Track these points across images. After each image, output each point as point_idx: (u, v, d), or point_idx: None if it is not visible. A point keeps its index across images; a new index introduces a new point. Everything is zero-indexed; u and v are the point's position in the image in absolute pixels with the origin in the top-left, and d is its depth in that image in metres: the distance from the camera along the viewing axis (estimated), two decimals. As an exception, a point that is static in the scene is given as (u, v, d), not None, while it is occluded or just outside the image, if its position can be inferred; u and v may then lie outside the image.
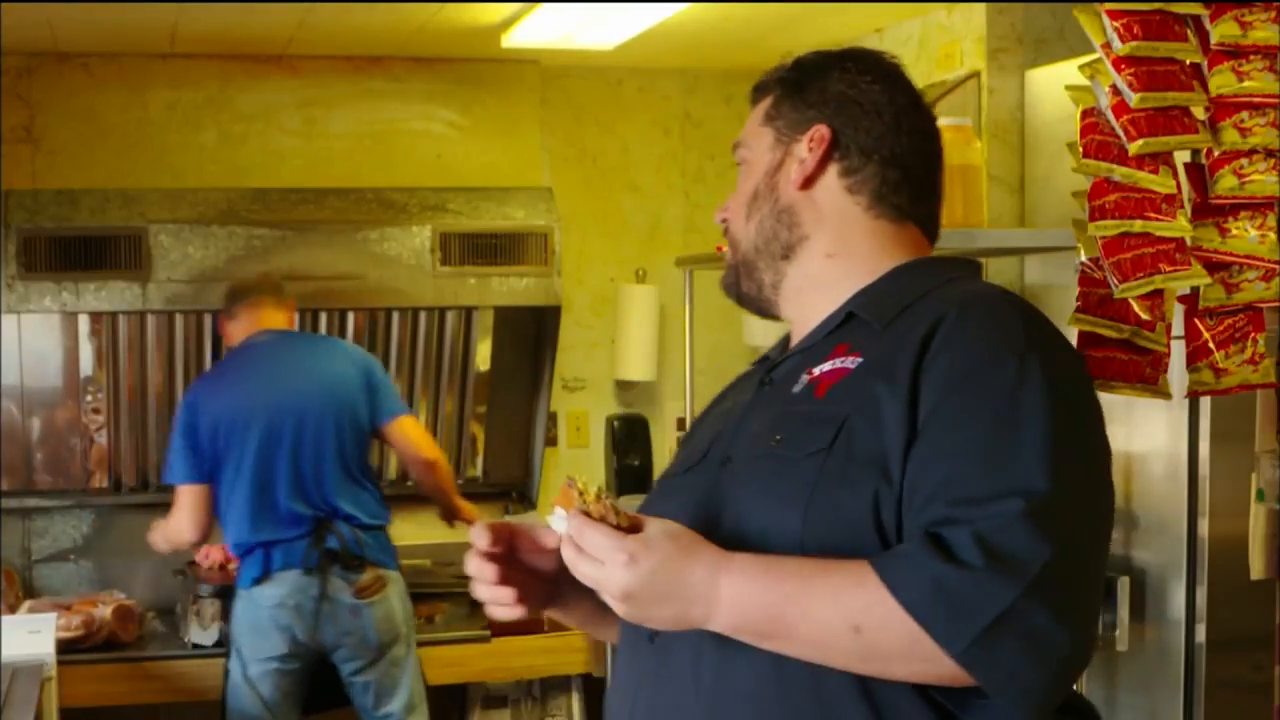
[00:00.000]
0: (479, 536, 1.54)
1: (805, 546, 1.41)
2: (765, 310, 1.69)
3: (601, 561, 1.40)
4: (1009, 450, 1.36)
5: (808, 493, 1.43)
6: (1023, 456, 1.36)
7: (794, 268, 1.63)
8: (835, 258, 1.61)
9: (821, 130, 1.62)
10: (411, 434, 4.07)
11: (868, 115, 1.62)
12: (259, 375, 3.93)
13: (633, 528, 1.41)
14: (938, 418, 1.40)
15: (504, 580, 1.54)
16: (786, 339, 1.68)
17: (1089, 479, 1.42)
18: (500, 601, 1.54)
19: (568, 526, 1.42)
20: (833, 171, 1.62)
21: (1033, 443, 1.36)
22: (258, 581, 3.81)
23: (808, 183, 1.62)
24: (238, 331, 4.02)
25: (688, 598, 1.39)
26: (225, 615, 4.26)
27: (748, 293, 1.67)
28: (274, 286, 4.09)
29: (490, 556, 1.54)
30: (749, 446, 1.53)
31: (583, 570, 1.42)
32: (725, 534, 1.47)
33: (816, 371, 1.53)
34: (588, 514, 1.41)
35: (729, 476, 1.53)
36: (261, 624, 3.81)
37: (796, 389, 1.54)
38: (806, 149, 1.62)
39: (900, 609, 1.32)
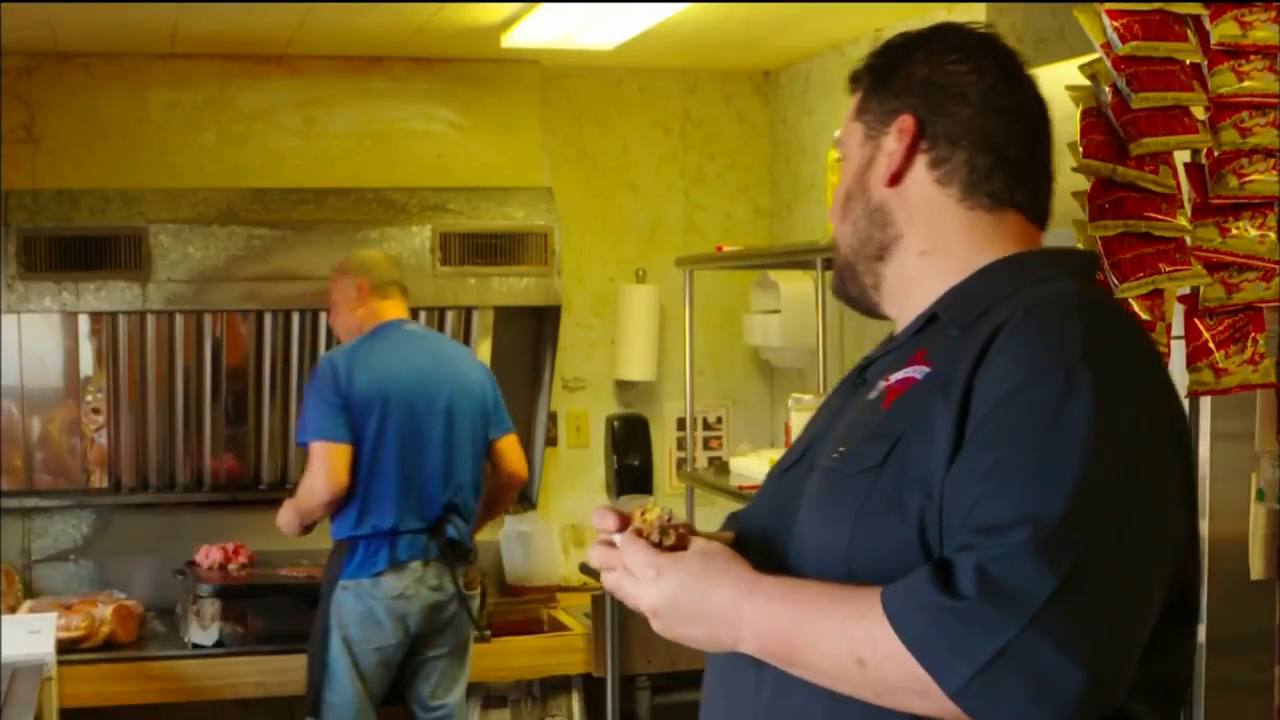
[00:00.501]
0: (604, 519, 1.48)
1: (852, 567, 1.38)
2: (873, 311, 1.61)
3: (637, 577, 1.42)
4: (1037, 474, 1.29)
5: (855, 512, 1.39)
6: (1049, 481, 1.28)
7: (890, 269, 1.56)
8: (929, 255, 1.53)
9: (906, 120, 1.53)
10: (515, 450, 4.14)
11: (953, 99, 1.52)
12: (415, 360, 3.94)
13: (677, 547, 1.43)
14: (979, 434, 1.34)
15: None
16: (891, 334, 1.61)
17: (1126, 503, 1.30)
18: None
19: (619, 543, 1.45)
20: (921, 164, 1.53)
21: (1064, 466, 1.28)
22: (379, 573, 3.80)
23: (896, 178, 1.53)
24: (384, 311, 3.99)
25: (712, 618, 1.39)
26: (225, 615, 4.27)
27: (854, 295, 1.61)
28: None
29: (612, 545, 1.49)
30: (824, 456, 1.50)
31: (622, 585, 1.44)
32: (793, 547, 1.47)
33: (892, 379, 1.47)
34: (638, 532, 1.44)
35: (807, 486, 1.50)
36: (376, 615, 3.81)
37: (873, 395, 1.49)
38: (894, 142, 1.53)
39: (900, 642, 1.27)
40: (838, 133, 1.65)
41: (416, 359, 3.94)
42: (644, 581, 1.41)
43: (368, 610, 3.80)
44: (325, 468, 3.78)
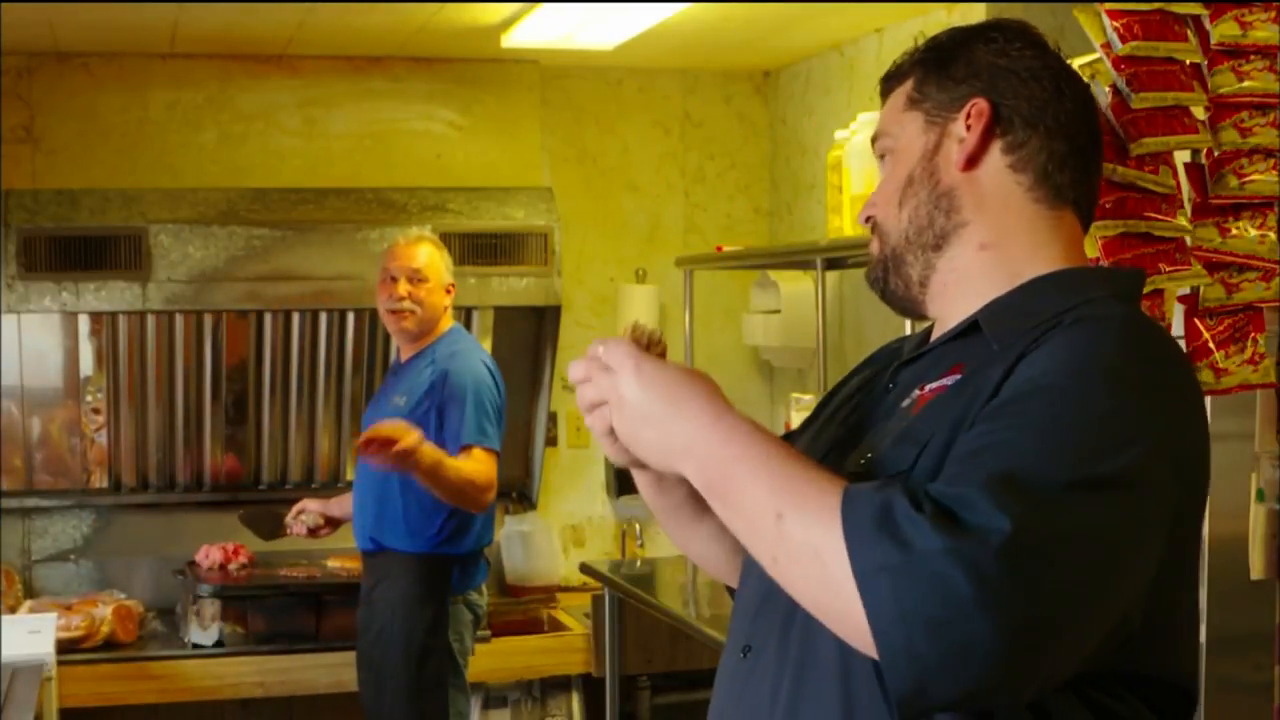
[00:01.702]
0: (576, 370, 1.41)
1: None
2: (912, 310, 1.56)
3: (615, 370, 1.36)
4: (1034, 454, 1.24)
5: None
6: (1043, 467, 1.23)
7: (944, 260, 1.50)
8: (988, 250, 1.48)
9: (980, 104, 1.48)
10: None
11: (1026, 83, 1.49)
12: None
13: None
14: (990, 411, 1.30)
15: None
16: (928, 332, 1.57)
17: (1105, 517, 1.25)
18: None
19: (603, 344, 1.39)
20: (996, 148, 1.48)
21: (1060, 462, 1.24)
22: (481, 583, 3.81)
23: (971, 162, 1.48)
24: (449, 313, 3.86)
25: (670, 425, 1.33)
26: (225, 615, 4.27)
27: (895, 290, 1.54)
28: None
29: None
30: (850, 462, 1.46)
31: (598, 381, 1.37)
32: None
33: (927, 389, 1.44)
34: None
35: None
36: (479, 621, 3.84)
37: (905, 403, 1.45)
38: (965, 126, 1.48)
39: (834, 512, 1.22)
40: (875, 128, 1.59)
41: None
42: (623, 372, 1.35)
43: (476, 620, 3.81)
44: (492, 475, 3.64)
